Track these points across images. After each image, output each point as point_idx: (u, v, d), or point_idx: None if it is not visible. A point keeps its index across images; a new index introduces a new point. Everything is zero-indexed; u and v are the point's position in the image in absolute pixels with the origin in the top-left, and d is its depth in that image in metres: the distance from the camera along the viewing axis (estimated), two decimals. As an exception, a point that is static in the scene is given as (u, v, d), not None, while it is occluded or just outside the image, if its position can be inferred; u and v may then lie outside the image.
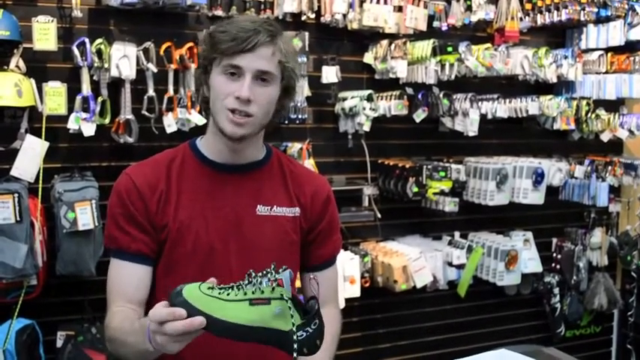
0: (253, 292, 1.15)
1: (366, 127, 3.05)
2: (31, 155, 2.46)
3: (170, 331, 1.10)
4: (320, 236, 1.61)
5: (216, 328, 1.12)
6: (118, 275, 1.47)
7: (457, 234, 3.48)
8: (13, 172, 2.45)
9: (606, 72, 3.63)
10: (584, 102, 3.60)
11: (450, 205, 3.20)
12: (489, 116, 3.34)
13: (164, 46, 2.67)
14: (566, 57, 3.44)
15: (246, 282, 1.17)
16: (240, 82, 1.39)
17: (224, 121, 1.42)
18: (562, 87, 3.64)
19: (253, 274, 1.18)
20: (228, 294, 1.15)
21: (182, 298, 1.12)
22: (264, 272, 1.18)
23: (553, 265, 3.85)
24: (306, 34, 2.93)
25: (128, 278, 1.45)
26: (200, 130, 2.58)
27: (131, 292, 1.44)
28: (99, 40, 2.55)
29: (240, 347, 1.48)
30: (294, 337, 1.17)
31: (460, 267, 3.35)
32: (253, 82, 1.40)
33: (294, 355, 1.18)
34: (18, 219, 2.34)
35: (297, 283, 1.79)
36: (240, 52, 1.38)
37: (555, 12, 3.40)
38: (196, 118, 2.69)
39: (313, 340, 1.20)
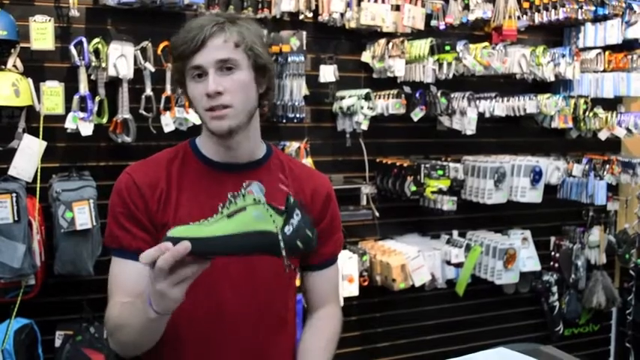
0: (228, 208, 1.18)
1: (364, 126, 3.05)
2: (28, 155, 2.46)
3: (161, 264, 1.10)
4: (321, 235, 1.60)
5: (203, 247, 1.12)
6: (119, 273, 1.47)
7: (455, 232, 3.48)
8: (11, 172, 2.45)
9: (604, 70, 3.63)
10: (581, 100, 3.60)
11: (448, 203, 3.20)
12: (487, 115, 3.34)
13: (162, 46, 2.66)
14: (563, 55, 3.45)
15: (222, 205, 1.19)
16: (206, 80, 1.40)
17: (208, 122, 1.43)
18: (560, 85, 3.65)
19: (228, 197, 1.20)
20: (208, 221, 1.17)
21: (167, 236, 1.13)
22: (235, 193, 1.20)
23: (551, 263, 3.85)
24: (304, 33, 2.93)
25: (129, 275, 1.44)
26: (198, 130, 2.58)
27: (131, 286, 1.42)
28: (96, 40, 2.56)
29: (237, 347, 1.49)
30: (280, 237, 1.17)
31: (458, 265, 3.36)
32: (218, 74, 1.40)
33: (284, 254, 1.17)
34: (16, 219, 2.34)
35: (296, 283, 1.79)
36: (193, 52, 1.38)
37: (553, 10, 3.40)
38: (194, 118, 2.69)
39: (302, 231, 1.20)
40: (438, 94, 3.21)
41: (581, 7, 3.41)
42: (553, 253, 3.86)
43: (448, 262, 3.33)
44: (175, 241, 1.11)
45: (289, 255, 1.20)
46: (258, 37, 1.47)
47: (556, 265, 3.84)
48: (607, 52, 3.63)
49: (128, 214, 1.46)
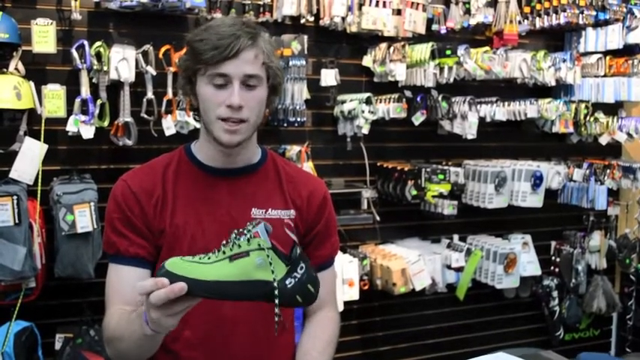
0: (231, 249, 1.16)
1: (365, 130, 3.05)
2: (30, 157, 2.47)
3: (154, 300, 1.11)
4: (317, 238, 1.61)
5: (199, 289, 1.12)
6: (116, 279, 1.47)
7: (456, 237, 3.48)
8: (12, 175, 2.45)
9: (605, 75, 3.63)
10: (582, 105, 3.60)
11: (448, 207, 3.20)
12: (488, 119, 3.34)
13: (163, 49, 2.67)
14: (564, 60, 3.45)
15: (225, 243, 1.18)
16: (229, 89, 1.39)
17: (219, 131, 1.42)
18: (561, 90, 3.65)
19: (232, 235, 1.18)
20: (208, 258, 1.16)
21: (164, 270, 1.13)
22: (240, 231, 1.18)
23: (552, 268, 3.85)
24: (305, 37, 2.93)
25: (126, 281, 1.44)
26: (198, 133, 2.59)
27: (129, 294, 1.42)
28: (98, 43, 2.56)
29: (236, 349, 1.49)
30: (277, 291, 1.15)
31: (459, 270, 3.35)
32: (241, 87, 1.39)
33: (277, 310, 1.16)
34: (17, 221, 2.35)
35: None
36: (224, 59, 1.37)
37: (554, 15, 3.41)
38: (195, 121, 2.69)
39: (304, 285, 1.19)
40: (439, 99, 3.21)
41: (582, 12, 3.41)
42: (553, 258, 3.86)
43: (449, 267, 3.33)
44: (172, 278, 1.11)
45: (286, 307, 1.19)
46: (277, 56, 1.49)
47: (556, 269, 3.84)
48: (608, 57, 3.62)
49: (125, 220, 1.46)
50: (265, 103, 1.47)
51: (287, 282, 1.17)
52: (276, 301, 1.16)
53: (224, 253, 1.16)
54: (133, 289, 1.41)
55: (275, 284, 1.16)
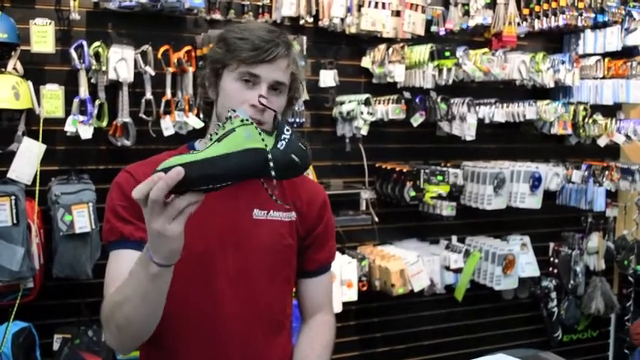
0: (217, 134, 1.14)
1: (364, 131, 3.05)
2: (28, 158, 2.46)
3: (155, 196, 1.06)
4: (316, 242, 1.62)
5: (196, 170, 1.07)
6: (118, 265, 1.40)
7: (454, 238, 3.48)
8: (10, 175, 2.45)
9: (603, 77, 3.63)
10: (581, 107, 3.60)
11: (447, 209, 3.20)
12: (487, 121, 3.35)
13: (162, 50, 2.67)
14: (563, 62, 3.45)
15: (209, 136, 1.16)
16: (256, 90, 1.41)
17: None
18: (559, 92, 3.65)
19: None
20: (199, 152, 1.12)
21: (155, 170, 1.08)
22: (221, 123, 1.17)
23: (550, 269, 3.85)
24: (304, 38, 2.93)
25: (129, 265, 1.33)
26: (197, 133, 2.59)
27: None
28: (97, 43, 2.56)
29: (234, 349, 1.49)
30: (270, 155, 1.13)
31: (457, 271, 3.35)
32: (267, 91, 1.42)
33: (273, 173, 1.14)
34: (15, 222, 2.35)
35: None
36: (260, 62, 1.41)
37: (553, 17, 3.41)
38: (194, 122, 2.69)
39: (296, 144, 1.18)
40: (438, 100, 3.21)
41: (580, 14, 3.42)
42: (552, 259, 3.86)
43: (447, 268, 3.33)
44: (167, 171, 1.06)
45: (287, 173, 1.17)
46: (304, 73, 1.52)
47: (555, 271, 3.84)
48: (606, 59, 3.63)
49: (130, 209, 1.41)
50: (281, 111, 1.49)
51: (279, 145, 1.16)
52: (271, 164, 1.14)
53: (211, 139, 1.14)
54: None
55: (268, 149, 1.14)
